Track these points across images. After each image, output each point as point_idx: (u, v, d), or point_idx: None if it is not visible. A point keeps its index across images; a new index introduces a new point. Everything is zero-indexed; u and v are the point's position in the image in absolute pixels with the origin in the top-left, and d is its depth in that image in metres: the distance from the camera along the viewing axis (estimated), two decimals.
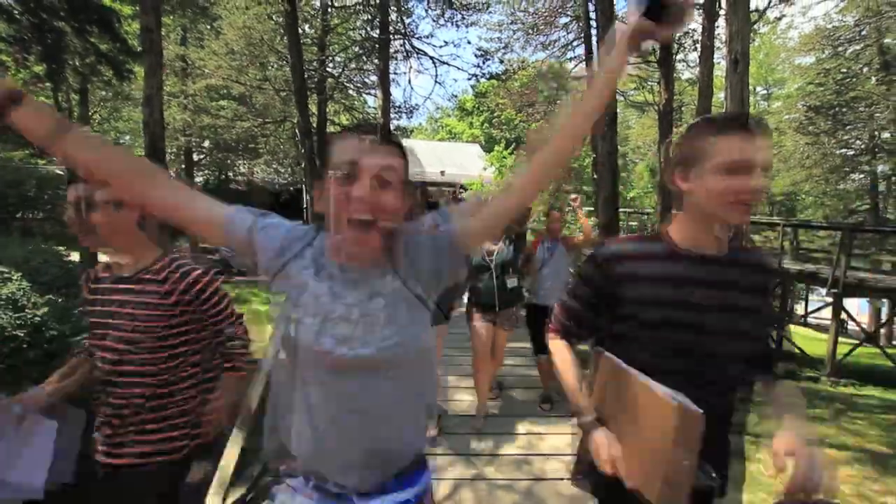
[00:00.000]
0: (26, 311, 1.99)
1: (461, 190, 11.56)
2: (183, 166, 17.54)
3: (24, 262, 2.74)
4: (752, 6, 6.85)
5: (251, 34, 11.65)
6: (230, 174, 21.17)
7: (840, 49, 16.73)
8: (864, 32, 15.95)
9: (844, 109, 16.45)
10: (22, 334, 1.90)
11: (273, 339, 1.04)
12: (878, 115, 16.16)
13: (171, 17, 13.15)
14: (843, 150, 18.00)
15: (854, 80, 16.40)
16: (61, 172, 14.87)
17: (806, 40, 18.48)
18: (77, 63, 8.51)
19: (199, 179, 19.49)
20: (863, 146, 17.45)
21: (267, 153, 17.17)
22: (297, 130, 11.80)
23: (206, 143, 17.69)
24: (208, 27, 13.35)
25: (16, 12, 7.59)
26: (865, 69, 16.60)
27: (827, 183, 19.06)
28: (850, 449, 5.10)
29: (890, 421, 6.41)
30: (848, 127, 17.01)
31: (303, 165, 11.84)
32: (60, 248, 7.17)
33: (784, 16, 14.88)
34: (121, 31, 8.15)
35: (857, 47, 16.39)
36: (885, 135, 16.72)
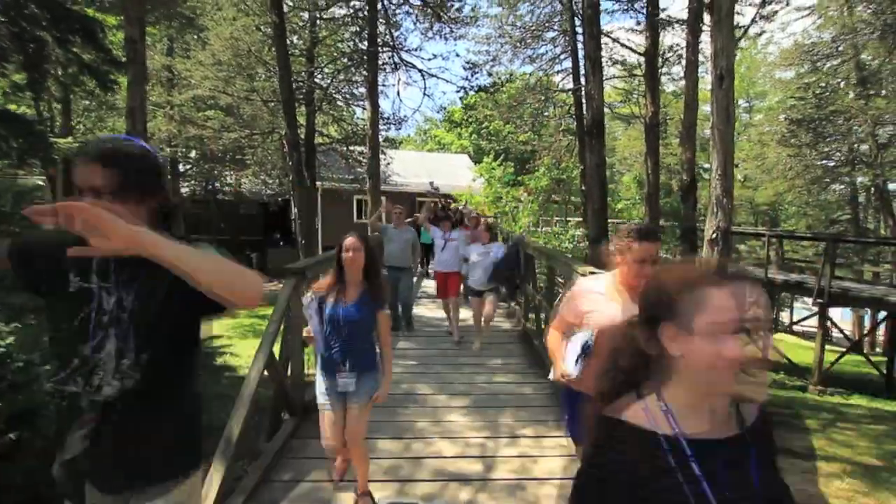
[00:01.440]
0: None
1: (449, 201, 11.54)
2: (169, 177, 17.30)
3: None
4: (735, 22, 6.99)
5: (238, 45, 11.58)
6: (217, 185, 20.94)
7: (819, 64, 17.19)
8: (840, 48, 16.42)
9: (824, 122, 16.84)
10: None
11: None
12: (856, 128, 16.58)
13: (158, 28, 13.04)
14: (824, 162, 18.42)
15: (833, 94, 16.84)
16: (41, 183, 14.53)
17: (786, 55, 18.97)
18: (59, 73, 8.34)
19: (185, 190, 19.23)
20: (842, 158, 17.87)
21: (254, 164, 17.00)
22: (284, 142, 11.71)
23: (193, 154, 17.48)
24: (195, 37, 13.25)
25: None
26: (843, 84, 17.07)
27: (809, 193, 19.46)
28: (840, 461, 5.10)
29: (878, 431, 6.44)
30: (828, 139, 17.42)
31: (290, 177, 11.73)
32: None
33: (764, 31, 15.30)
34: (105, 42, 8.02)
35: (835, 62, 16.85)
36: (864, 147, 17.15)
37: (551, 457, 3.14)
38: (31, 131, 7.77)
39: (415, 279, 6.89)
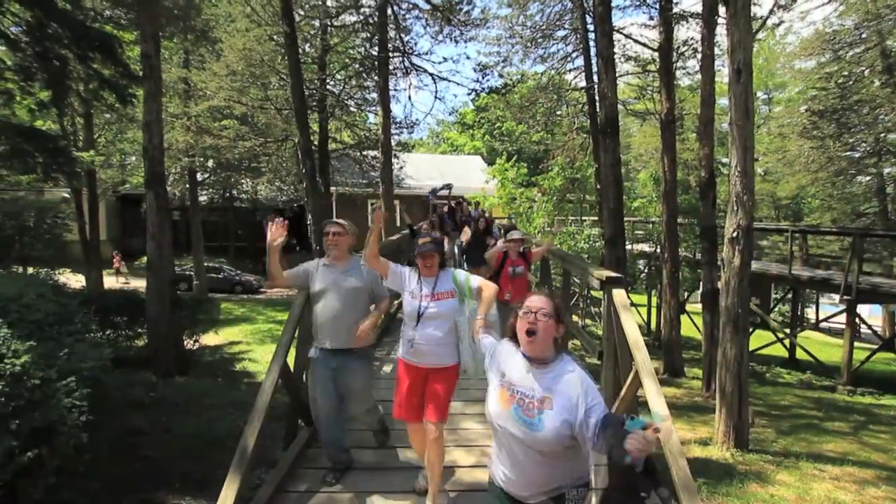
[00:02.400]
0: (5, 360, 1.90)
1: (462, 200, 11.49)
2: (187, 186, 17.66)
3: (16, 299, 2.67)
4: (752, 14, 6.80)
5: (251, 55, 11.75)
6: (234, 193, 21.30)
7: (841, 53, 16.64)
8: (864, 35, 15.87)
9: (848, 112, 16.29)
10: (0, 386, 1.81)
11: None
12: (882, 117, 16.01)
13: (174, 41, 13.33)
14: (849, 153, 17.81)
15: (857, 83, 16.28)
16: (66, 196, 14.98)
17: (806, 45, 18.43)
18: (81, 89, 8.57)
19: (203, 199, 19.61)
20: (868, 149, 17.27)
21: (269, 171, 17.25)
22: (298, 149, 11.82)
23: (210, 163, 17.81)
24: (209, 49, 13.50)
25: (21, 42, 7.69)
26: (868, 72, 16.49)
27: (833, 186, 18.85)
28: (874, 467, 4.89)
29: None
30: (853, 130, 16.84)
31: (305, 184, 11.85)
32: (59, 272, 7.16)
33: (783, 21, 14.89)
34: (123, 57, 8.22)
35: (858, 50, 16.30)
36: (892, 136, 16.55)
37: None
38: (56, 146, 8.00)
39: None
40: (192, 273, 16.98)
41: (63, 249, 7.61)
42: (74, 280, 9.52)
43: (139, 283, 13.05)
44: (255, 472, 3.12)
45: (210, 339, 9.92)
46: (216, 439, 3.95)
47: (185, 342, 7.67)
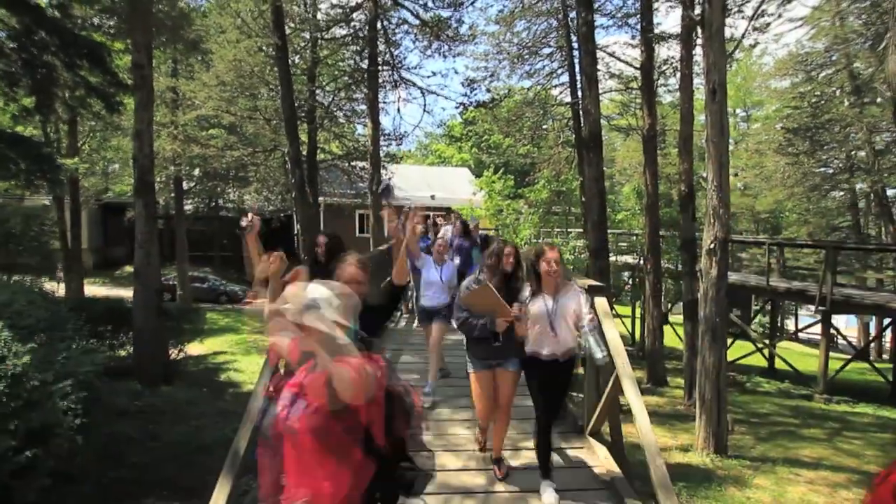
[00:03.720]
0: (6, 361, 1.93)
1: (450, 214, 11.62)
2: (173, 195, 17.50)
3: (7, 305, 2.68)
4: (728, 34, 7.15)
5: (241, 66, 11.82)
6: (220, 202, 21.16)
7: (813, 73, 17.39)
8: (834, 58, 16.63)
9: (821, 130, 16.98)
10: (1, 387, 1.84)
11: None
12: (853, 135, 16.71)
13: (163, 51, 13.33)
14: (823, 169, 18.53)
15: (828, 102, 17.01)
16: (47, 203, 14.73)
17: (780, 65, 19.22)
18: (66, 96, 8.52)
19: (188, 208, 19.43)
20: (841, 165, 17.98)
21: (257, 181, 17.20)
22: (286, 159, 11.87)
23: (197, 172, 17.70)
24: (199, 60, 13.53)
25: (5, 48, 7.64)
26: (838, 92, 17.25)
27: (809, 201, 19.53)
28: (847, 471, 5.07)
29: (885, 440, 6.40)
30: (825, 147, 17.54)
31: (293, 194, 11.88)
32: (44, 280, 7.06)
33: (758, 43, 15.50)
34: (111, 65, 8.21)
35: (829, 72, 17.06)
36: (861, 154, 17.25)
37: (556, 469, 3.16)
38: (39, 153, 7.91)
39: None
40: (175, 283, 16.75)
41: (49, 257, 7.50)
42: (51, 288, 9.35)
43: (122, 293, 12.84)
44: (244, 479, 3.14)
45: (195, 348, 9.81)
46: (203, 447, 3.94)
47: (171, 352, 7.58)
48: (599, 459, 3.36)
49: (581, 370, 4.41)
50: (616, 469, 3.20)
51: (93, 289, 17.30)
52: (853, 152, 17.38)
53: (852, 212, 19.06)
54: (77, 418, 2.10)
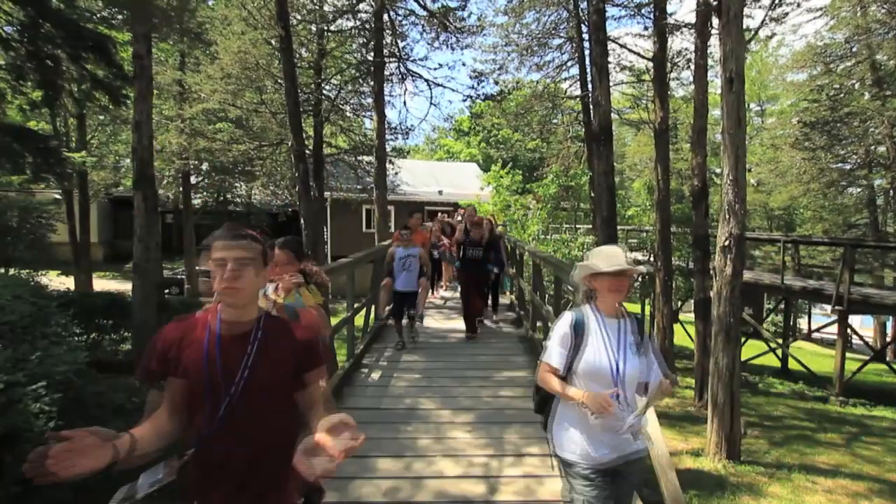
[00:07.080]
0: None
1: (453, 209, 11.45)
2: (181, 189, 17.51)
3: None
4: (743, 25, 6.85)
5: (246, 59, 11.70)
6: (228, 196, 21.16)
7: (832, 65, 16.86)
8: (854, 49, 16.10)
9: (839, 125, 16.48)
10: None
11: None
12: (872, 129, 16.21)
13: (169, 43, 13.26)
14: (840, 165, 18.01)
15: (847, 95, 16.49)
16: (59, 197, 14.81)
17: (798, 57, 18.66)
18: (73, 89, 8.48)
19: (196, 202, 19.46)
20: (859, 160, 17.46)
21: (264, 175, 17.15)
22: (292, 153, 11.76)
23: (204, 166, 17.68)
24: (204, 51, 13.44)
25: (13, 41, 7.60)
26: (858, 85, 16.71)
27: (825, 197, 19.01)
28: (867, 479, 4.85)
29: None
30: (843, 142, 17.04)
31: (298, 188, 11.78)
32: (43, 274, 7.02)
33: (775, 34, 15.07)
34: (116, 58, 8.14)
35: (849, 64, 16.53)
36: (881, 149, 16.74)
37: (558, 477, 3.01)
38: (47, 147, 7.88)
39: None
40: (183, 277, 16.79)
41: (47, 250, 7.46)
42: (59, 282, 9.36)
43: (130, 287, 12.86)
44: None
45: None
46: None
47: None
48: None
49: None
50: None
51: (102, 282, 17.42)
52: (873, 147, 16.86)
53: (870, 209, 18.52)
54: (51, 421, 2.00)
